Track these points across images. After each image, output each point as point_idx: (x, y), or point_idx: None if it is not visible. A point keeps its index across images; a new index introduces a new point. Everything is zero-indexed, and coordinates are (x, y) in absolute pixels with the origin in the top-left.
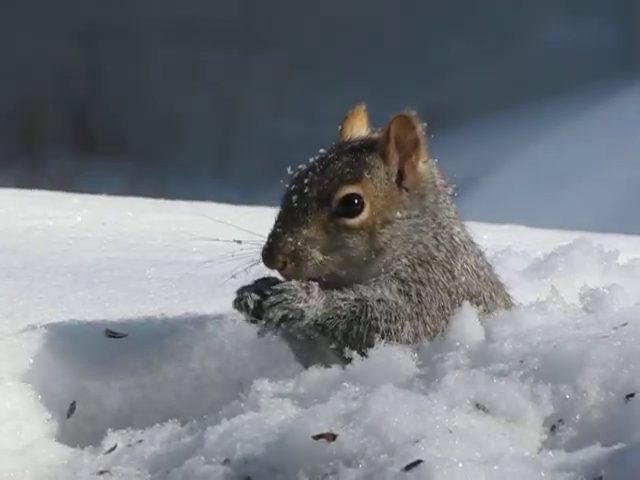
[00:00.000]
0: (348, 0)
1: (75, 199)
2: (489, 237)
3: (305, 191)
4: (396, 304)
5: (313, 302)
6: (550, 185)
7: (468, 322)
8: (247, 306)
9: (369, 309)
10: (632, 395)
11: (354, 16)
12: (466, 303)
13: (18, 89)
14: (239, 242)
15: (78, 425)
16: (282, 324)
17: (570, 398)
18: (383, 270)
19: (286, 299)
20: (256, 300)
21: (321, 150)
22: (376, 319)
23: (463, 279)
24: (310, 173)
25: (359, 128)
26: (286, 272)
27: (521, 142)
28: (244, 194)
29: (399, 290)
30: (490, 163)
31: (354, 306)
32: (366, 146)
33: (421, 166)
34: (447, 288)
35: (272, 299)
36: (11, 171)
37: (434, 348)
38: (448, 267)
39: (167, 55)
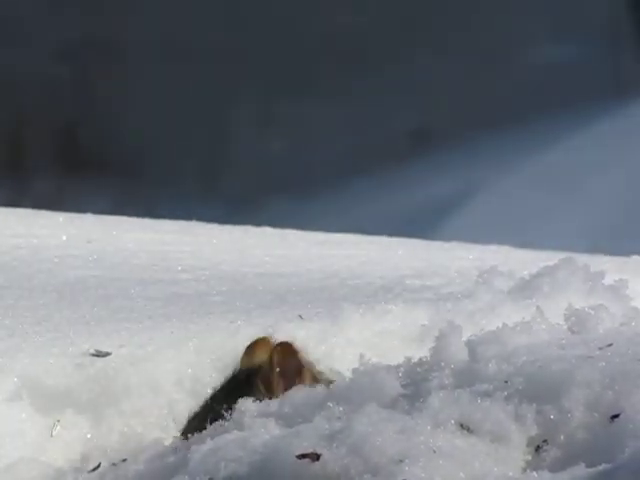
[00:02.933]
0: (334, 19)
1: (60, 217)
2: (474, 257)
3: None
4: None
5: None
6: (540, 204)
7: (453, 342)
8: None
9: None
10: (617, 416)
11: (340, 34)
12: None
13: (2, 106)
14: None
15: (62, 444)
16: None
17: (554, 418)
18: None
19: None
20: None
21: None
22: None
23: None
24: (194, 421)
25: (260, 358)
26: None
27: (508, 161)
28: (231, 212)
29: None
30: (477, 182)
31: None
32: (250, 380)
33: None
34: None
35: None
36: None
37: (419, 368)
38: None
39: (153, 72)
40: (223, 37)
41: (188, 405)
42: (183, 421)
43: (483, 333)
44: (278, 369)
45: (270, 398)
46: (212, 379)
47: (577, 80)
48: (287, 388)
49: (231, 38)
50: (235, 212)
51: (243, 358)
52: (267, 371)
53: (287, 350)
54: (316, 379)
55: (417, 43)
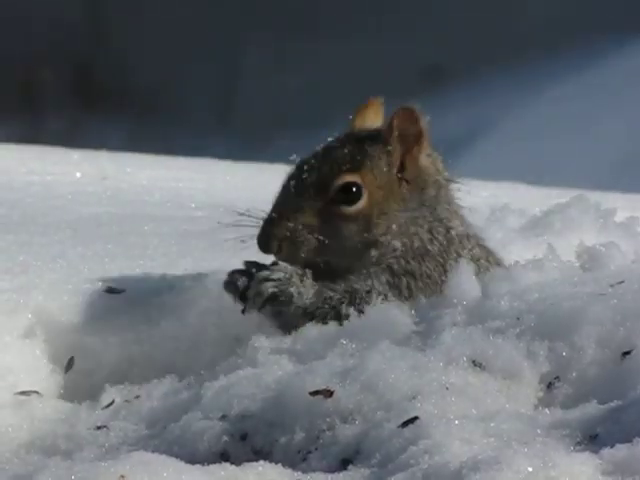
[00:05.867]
0: None
1: (75, 154)
2: (488, 194)
3: (304, 177)
4: (385, 296)
5: (304, 290)
6: (552, 140)
7: (465, 279)
8: (237, 287)
9: (357, 301)
10: (628, 353)
11: None
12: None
13: (18, 41)
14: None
15: (76, 380)
16: (269, 303)
17: (566, 355)
18: (376, 261)
19: (279, 279)
20: (245, 282)
21: (329, 139)
22: (362, 311)
23: None
24: (311, 160)
25: (372, 121)
26: (282, 257)
27: (523, 97)
28: (246, 148)
29: (389, 282)
30: (491, 118)
31: (343, 297)
32: (370, 137)
33: (423, 159)
34: (439, 282)
35: (265, 273)
36: (11, 125)
37: (431, 305)
38: (441, 261)
39: (169, 8)
40: None
41: (212, 337)
42: (199, 355)
43: (495, 270)
44: (397, 133)
45: (389, 164)
46: (227, 314)
47: (592, 14)
48: (404, 155)
49: None
50: (252, 146)
51: (354, 119)
52: (386, 134)
53: (409, 115)
54: (431, 153)
55: None
